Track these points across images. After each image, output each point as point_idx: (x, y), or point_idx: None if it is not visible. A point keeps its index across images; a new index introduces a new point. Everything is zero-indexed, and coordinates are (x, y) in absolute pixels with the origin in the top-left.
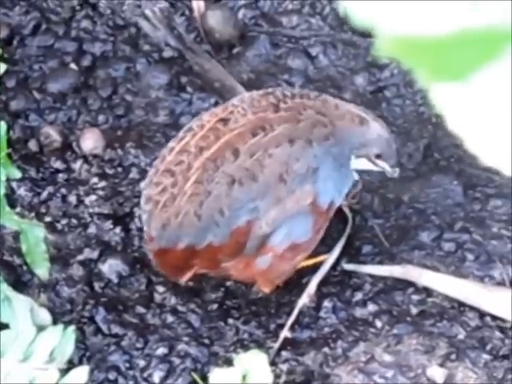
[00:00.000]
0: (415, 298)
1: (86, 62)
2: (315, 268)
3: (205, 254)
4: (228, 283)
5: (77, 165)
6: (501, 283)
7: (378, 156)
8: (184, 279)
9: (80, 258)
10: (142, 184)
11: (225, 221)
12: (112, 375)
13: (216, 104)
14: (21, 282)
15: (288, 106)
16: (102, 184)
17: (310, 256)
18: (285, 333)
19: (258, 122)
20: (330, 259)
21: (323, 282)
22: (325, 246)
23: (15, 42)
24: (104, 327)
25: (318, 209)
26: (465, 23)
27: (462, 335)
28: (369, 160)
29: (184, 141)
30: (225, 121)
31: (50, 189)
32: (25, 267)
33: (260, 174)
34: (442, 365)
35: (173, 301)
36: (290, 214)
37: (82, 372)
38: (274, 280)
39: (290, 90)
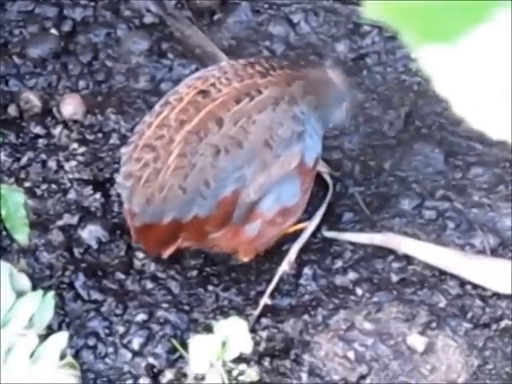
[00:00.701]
0: (396, 265)
1: (67, 27)
2: (295, 235)
3: (191, 226)
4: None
5: (57, 130)
6: (481, 251)
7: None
8: (167, 253)
9: (60, 223)
10: (122, 149)
11: (211, 192)
12: (91, 341)
13: (197, 71)
14: (0, 247)
15: (277, 73)
16: (82, 149)
17: None
18: (265, 300)
19: (243, 89)
20: (310, 226)
21: (303, 250)
22: (305, 213)
23: None
24: (83, 293)
25: (305, 168)
26: None
27: (442, 303)
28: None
29: (162, 115)
30: (205, 93)
31: (30, 154)
32: (4, 233)
33: (245, 141)
34: (422, 333)
35: (152, 267)
36: (276, 179)
37: (61, 338)
38: (258, 247)
39: (276, 60)
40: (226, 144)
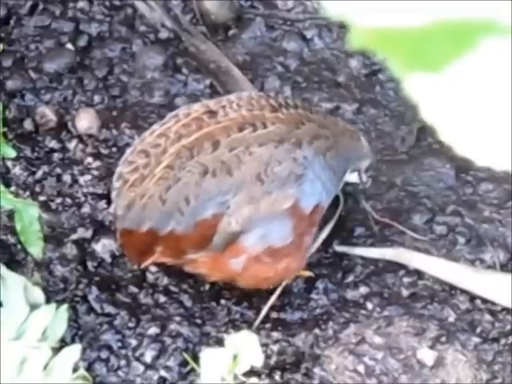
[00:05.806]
0: (406, 280)
1: (83, 42)
2: None
3: (168, 240)
4: None
5: (72, 144)
6: (491, 266)
7: (367, 169)
8: (145, 265)
9: (74, 237)
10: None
11: (190, 210)
12: (104, 354)
13: (211, 86)
14: (15, 260)
15: (289, 112)
16: (97, 164)
17: None
18: (265, 310)
19: (249, 118)
20: (319, 240)
21: (315, 264)
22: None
23: (12, 22)
24: (97, 306)
25: (300, 213)
26: (440, 14)
27: (452, 318)
28: (358, 173)
29: (166, 125)
30: (212, 113)
31: (45, 168)
32: (19, 246)
33: (236, 170)
34: (431, 347)
35: (165, 281)
36: (264, 215)
37: (74, 351)
38: (257, 285)
39: (293, 99)
40: (216, 167)
